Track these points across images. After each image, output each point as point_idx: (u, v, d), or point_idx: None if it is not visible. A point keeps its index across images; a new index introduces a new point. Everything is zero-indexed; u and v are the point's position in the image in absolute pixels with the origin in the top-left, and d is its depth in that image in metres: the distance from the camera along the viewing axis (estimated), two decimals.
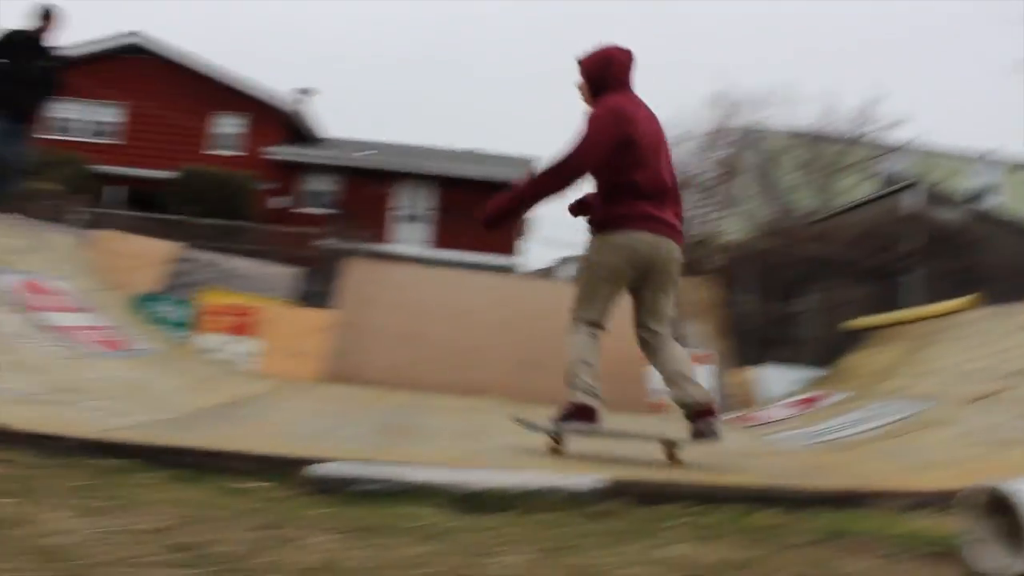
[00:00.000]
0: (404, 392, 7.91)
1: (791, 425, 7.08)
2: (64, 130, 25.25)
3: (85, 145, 25.44)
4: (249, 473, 3.38)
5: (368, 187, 27.80)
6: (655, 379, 9.00)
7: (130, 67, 27.14)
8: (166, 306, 8.82)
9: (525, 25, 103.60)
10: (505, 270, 26.36)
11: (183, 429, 4.25)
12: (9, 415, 3.66)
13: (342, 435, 4.64)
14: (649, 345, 4.63)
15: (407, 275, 9.92)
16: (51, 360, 5.29)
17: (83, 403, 4.49)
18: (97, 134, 27.16)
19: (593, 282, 4.51)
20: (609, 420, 7.22)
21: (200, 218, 16.28)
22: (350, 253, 10.46)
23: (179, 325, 8.74)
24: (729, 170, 24.56)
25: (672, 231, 4.40)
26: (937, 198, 11.81)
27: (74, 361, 5.48)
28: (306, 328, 8.93)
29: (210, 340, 8.72)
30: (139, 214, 15.38)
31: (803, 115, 23.74)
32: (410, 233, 28.02)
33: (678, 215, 4.51)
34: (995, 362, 6.20)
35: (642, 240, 4.32)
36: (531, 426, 4.64)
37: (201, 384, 6.48)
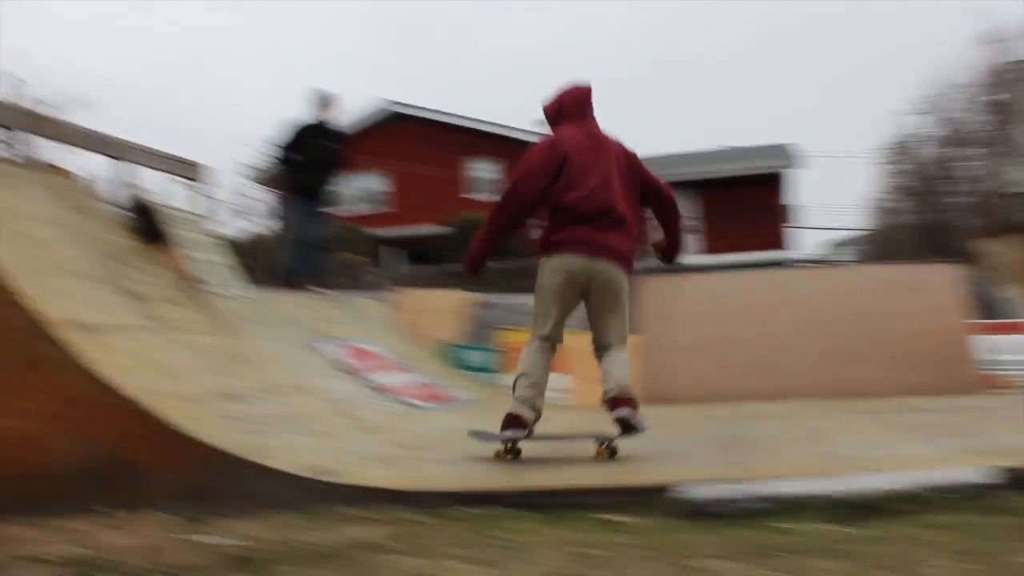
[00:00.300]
0: (718, 404, 7.69)
1: None
2: (345, 204, 27.26)
3: (361, 215, 27.24)
4: (613, 506, 3.33)
5: None
6: (981, 351, 8.30)
7: (389, 134, 28.85)
8: (472, 353, 9.13)
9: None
10: (778, 264, 25.46)
11: (531, 471, 4.28)
12: (373, 476, 3.83)
13: (684, 456, 4.51)
14: (599, 357, 4.96)
15: (699, 286, 9.69)
16: (388, 418, 5.56)
17: (429, 457, 4.64)
18: (370, 202, 29.04)
19: (541, 301, 4.88)
20: (935, 402, 6.70)
21: None
22: (641, 272, 10.37)
23: (487, 369, 8.99)
24: (1008, 113, 22.36)
25: (611, 253, 4.59)
26: None
27: (407, 418, 5.73)
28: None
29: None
30: (424, 269, 16.17)
31: None
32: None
33: (630, 236, 4.70)
34: None
35: (575, 263, 4.59)
36: (482, 436, 4.80)
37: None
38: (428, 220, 25.95)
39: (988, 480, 3.12)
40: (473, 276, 5.16)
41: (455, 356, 9.03)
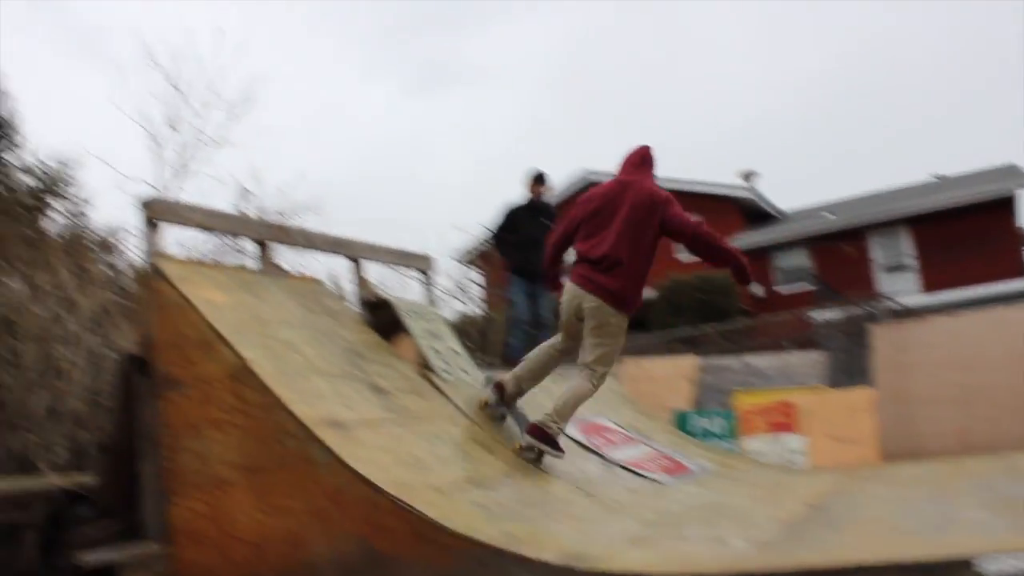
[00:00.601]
0: (977, 458, 7.10)
1: None
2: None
3: None
4: None
5: (840, 249, 26.76)
6: None
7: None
8: (705, 419, 8.90)
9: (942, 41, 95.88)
10: (1014, 298, 23.64)
11: (791, 545, 4.05)
12: (630, 559, 3.73)
13: (966, 520, 4.14)
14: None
15: (939, 328, 9.04)
16: (630, 496, 5.45)
17: (683, 535, 4.49)
18: None
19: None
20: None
21: (691, 326, 16.61)
22: (870, 320, 9.87)
23: (722, 436, 8.74)
24: None
25: (599, 290, 5.54)
26: None
27: (651, 494, 5.60)
28: (847, 410, 8.47)
29: (755, 444, 8.59)
30: (644, 335, 16.08)
31: None
32: (897, 284, 26.29)
33: (625, 277, 5.58)
34: None
35: (574, 291, 5.67)
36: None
37: (770, 492, 6.29)
38: None
39: None
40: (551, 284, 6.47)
41: (688, 424, 8.83)
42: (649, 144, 6.09)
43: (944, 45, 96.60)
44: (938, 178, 30.53)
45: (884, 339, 8.85)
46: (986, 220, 25.75)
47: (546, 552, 3.74)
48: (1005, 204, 26.25)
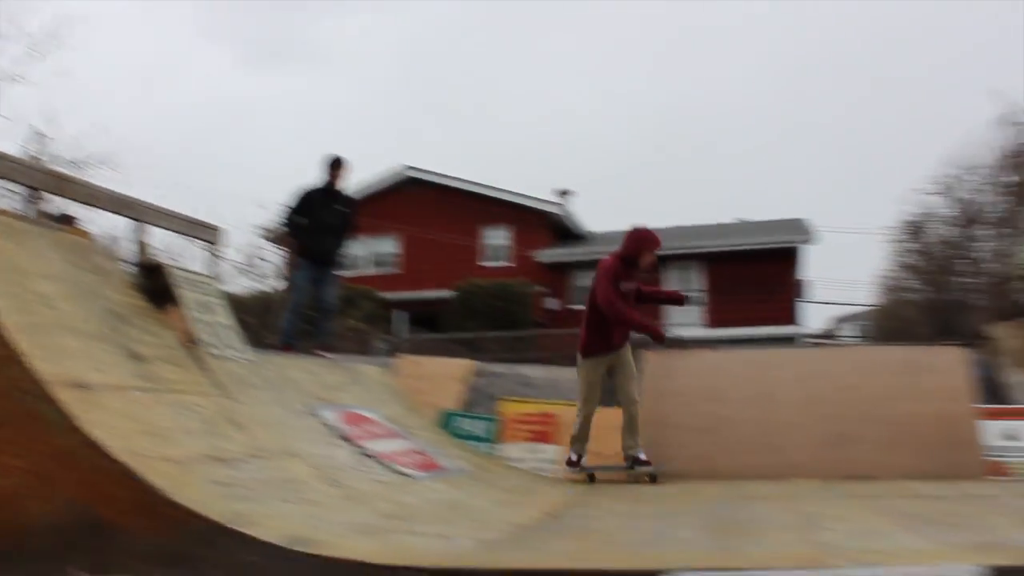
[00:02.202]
0: (713, 483, 7.64)
1: None
2: (353, 267, 27.33)
3: (370, 278, 27.45)
4: None
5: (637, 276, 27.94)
6: (987, 437, 8.24)
7: (402, 198, 29.21)
8: (469, 421, 9.13)
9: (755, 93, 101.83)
10: (787, 340, 25.40)
11: (514, 548, 4.26)
12: (354, 548, 3.81)
13: (676, 538, 4.47)
14: None
15: (699, 361, 9.67)
16: (377, 487, 5.54)
17: (414, 529, 4.63)
18: (379, 265, 29.28)
19: None
20: (935, 488, 6.63)
21: (481, 331, 16.94)
22: (642, 346, 10.39)
23: (483, 439, 8.98)
24: (1021, 197, 22.41)
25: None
26: None
27: (397, 487, 5.71)
28: (606, 428, 8.85)
29: (514, 450, 8.87)
30: (430, 336, 16.26)
31: None
32: (685, 315, 27.70)
33: (582, 329, 8.19)
34: None
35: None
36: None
37: (515, 497, 6.54)
38: (436, 285, 26.10)
39: None
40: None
41: (454, 425, 9.03)
42: (638, 227, 8.01)
43: (768, 94, 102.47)
44: (739, 221, 32.40)
45: (652, 364, 9.35)
46: (771, 267, 27.56)
47: (271, 533, 3.77)
48: (789, 255, 28.19)
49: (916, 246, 22.24)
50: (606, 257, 7.91)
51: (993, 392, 8.98)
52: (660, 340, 7.94)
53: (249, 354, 6.61)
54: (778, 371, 9.15)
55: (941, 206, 21.99)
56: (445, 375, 9.79)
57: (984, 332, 9.72)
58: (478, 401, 9.55)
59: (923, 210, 22.48)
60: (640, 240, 7.88)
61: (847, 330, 40.91)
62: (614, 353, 7.96)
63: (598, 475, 8.15)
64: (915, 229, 22.18)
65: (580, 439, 8.02)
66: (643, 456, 7.78)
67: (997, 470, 8.05)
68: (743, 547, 4.11)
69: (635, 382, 8.03)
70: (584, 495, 6.96)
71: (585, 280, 28.61)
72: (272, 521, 3.99)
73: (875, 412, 8.49)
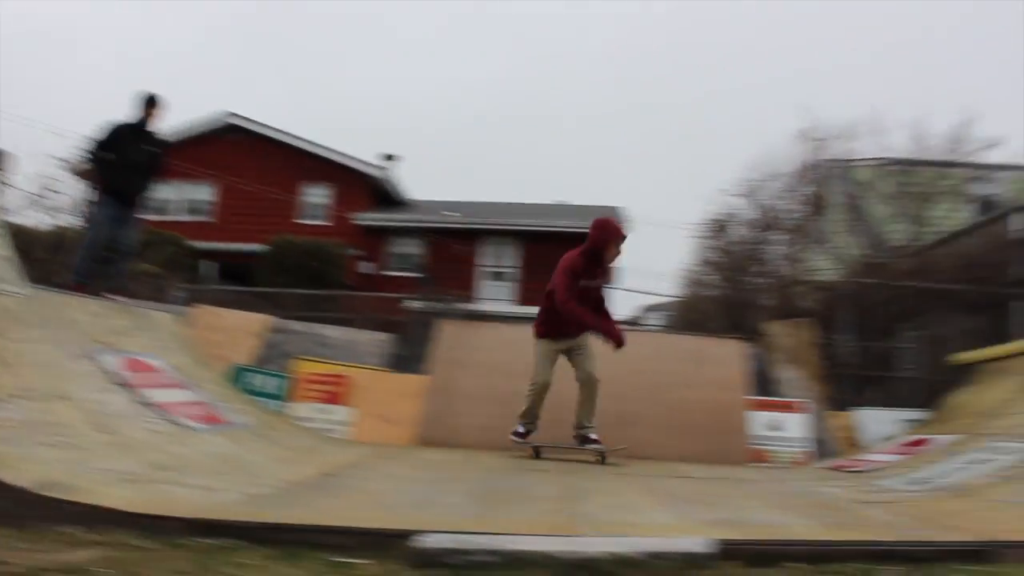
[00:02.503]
0: (497, 454, 7.87)
1: (900, 469, 6.80)
2: (162, 210, 26.13)
3: (180, 224, 26.40)
4: (352, 548, 3.37)
5: (453, 247, 28.11)
6: (755, 427, 8.85)
7: (222, 146, 28.18)
8: (262, 377, 9.00)
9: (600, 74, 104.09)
10: None
11: (281, 504, 4.28)
12: (112, 496, 3.74)
13: (442, 503, 4.61)
14: None
15: (495, 334, 9.88)
16: (151, 438, 5.41)
17: (183, 480, 4.57)
18: (192, 212, 28.21)
19: None
20: (703, 471, 7.09)
21: (291, 288, 16.65)
22: (441, 315, 10.49)
23: (275, 396, 8.88)
24: (818, 206, 24.00)
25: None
26: None
27: (173, 438, 5.60)
28: (398, 393, 8.97)
29: (304, 410, 8.82)
30: (233, 288, 15.84)
31: (893, 144, 22.94)
32: (497, 291, 28.17)
33: (540, 311, 8.12)
34: None
35: None
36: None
37: (298, 454, 6.55)
38: (250, 238, 25.42)
39: (703, 550, 3.34)
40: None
41: (244, 380, 8.89)
42: (602, 218, 7.84)
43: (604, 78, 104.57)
44: (559, 204, 33.03)
45: (448, 334, 9.51)
46: None
47: (24, 478, 3.65)
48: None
49: (717, 244, 23.40)
50: (569, 251, 7.67)
51: (764, 385, 9.63)
52: (618, 344, 7.46)
53: (26, 289, 6.27)
54: None
55: (743, 208, 23.25)
56: (241, 328, 9.61)
57: (763, 329, 10.39)
58: (272, 357, 9.42)
59: (727, 210, 23.74)
60: (605, 231, 7.56)
61: (654, 319, 42.57)
62: (571, 339, 7.81)
63: (544, 451, 7.96)
64: (718, 228, 23.32)
65: (530, 413, 7.83)
66: (594, 436, 7.72)
67: (760, 457, 8.68)
68: (503, 514, 4.29)
69: (594, 360, 7.83)
70: (368, 458, 7.02)
71: (403, 247, 28.65)
72: (27, 465, 3.86)
73: (658, 396, 8.98)
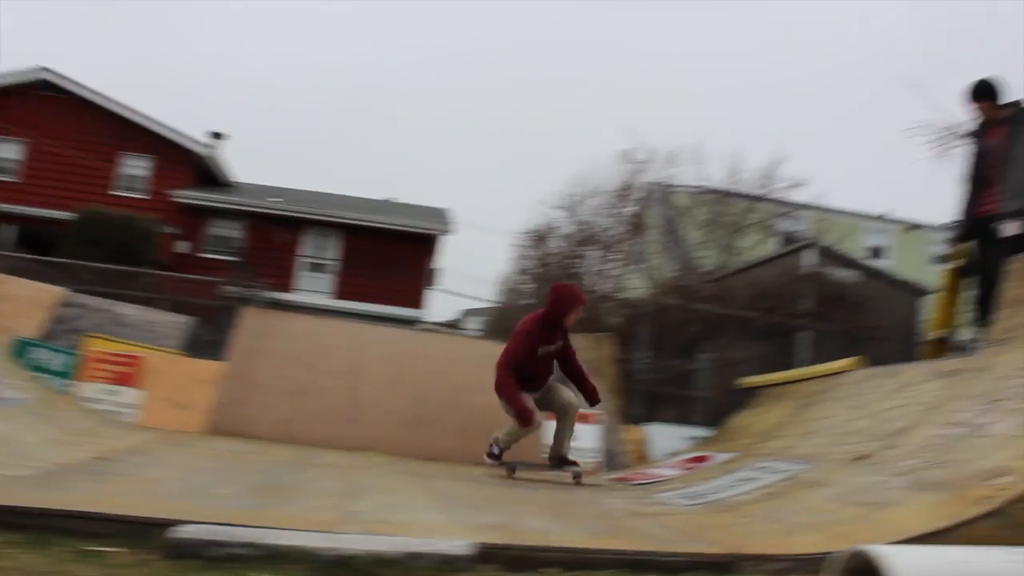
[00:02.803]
0: (290, 447, 7.78)
1: (678, 484, 7.14)
2: None
3: None
4: (106, 536, 3.27)
5: (275, 234, 27.53)
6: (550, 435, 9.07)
7: (35, 103, 26.49)
8: (47, 353, 8.51)
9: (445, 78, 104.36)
10: (409, 322, 26.28)
11: (41, 487, 4.09)
12: None
13: (216, 494, 4.52)
14: None
15: (299, 326, 9.73)
16: None
17: None
18: None
19: None
20: (491, 474, 7.23)
21: (95, 262, 15.86)
22: (246, 302, 10.28)
23: (61, 374, 8.40)
24: (635, 226, 24.98)
25: None
26: (832, 258, 12.22)
27: None
28: (192, 379, 8.68)
29: (91, 389, 8.38)
30: (26, 255, 14.91)
31: (710, 174, 24.22)
32: (315, 282, 27.79)
33: None
34: (873, 423, 6.37)
35: None
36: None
37: (75, 436, 6.25)
38: (61, 205, 23.99)
39: (461, 552, 3.42)
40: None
41: (27, 354, 8.39)
42: (563, 284, 7.60)
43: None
44: (387, 200, 32.85)
45: (250, 321, 9.31)
46: (408, 250, 28.29)
47: None
48: (427, 241, 29.10)
49: (535, 254, 23.97)
50: (529, 315, 7.44)
51: None
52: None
53: None
54: (373, 347, 9.47)
55: (562, 221, 23.94)
56: (29, 299, 9.06)
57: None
58: (61, 333, 8.93)
59: (547, 222, 24.37)
60: (565, 301, 7.25)
61: (471, 323, 43.00)
62: (536, 392, 7.42)
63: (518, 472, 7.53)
64: (537, 238, 23.90)
65: (509, 443, 7.32)
66: (571, 456, 7.48)
67: None
68: (275, 507, 4.25)
69: (566, 388, 7.57)
70: (151, 444, 6.79)
71: (223, 229, 27.81)
72: None
73: (454, 399, 9.07)
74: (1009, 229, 7.06)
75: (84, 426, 6.91)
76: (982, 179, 7.57)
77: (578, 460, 7.60)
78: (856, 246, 28.16)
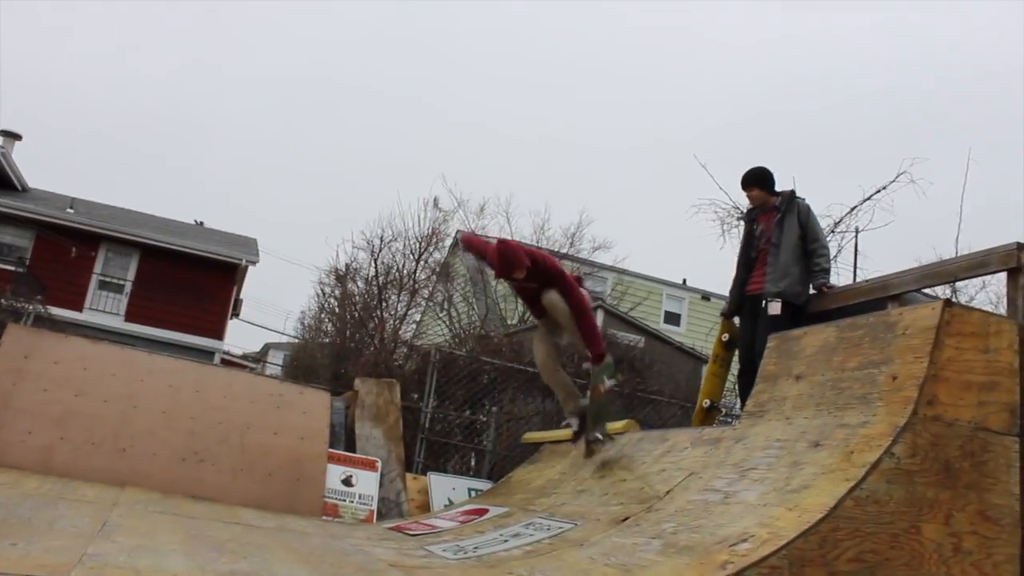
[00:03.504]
0: (48, 478, 7.31)
1: (451, 536, 7.16)
2: None
3: None
4: None
5: (67, 248, 26.04)
6: (331, 480, 8.94)
7: None
8: None
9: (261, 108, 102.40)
10: (207, 353, 25.38)
11: None
12: None
13: None
14: None
15: (73, 348, 9.16)
16: None
17: None
18: None
19: None
20: (260, 519, 7.05)
21: None
22: (18, 317, 9.65)
23: None
24: (442, 273, 25.18)
25: None
26: (620, 320, 12.72)
27: None
28: None
29: None
30: None
31: (518, 228, 24.82)
32: (107, 302, 26.41)
33: None
34: (640, 484, 6.62)
35: None
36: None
37: None
38: None
39: None
40: None
41: None
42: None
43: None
44: (195, 224, 31.76)
45: (15, 339, 8.71)
46: (211, 278, 27.38)
47: None
48: (231, 270, 28.26)
49: (338, 292, 23.73)
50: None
51: (345, 439, 9.78)
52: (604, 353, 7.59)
53: None
54: (151, 377, 9.05)
55: (365, 262, 23.84)
56: None
57: (355, 384, 10.58)
58: None
59: (351, 261, 24.21)
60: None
61: (272, 356, 42.00)
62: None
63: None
64: (340, 276, 23.67)
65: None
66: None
67: (333, 511, 8.75)
68: (2, 548, 3.98)
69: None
70: None
71: (9, 237, 26.05)
72: None
73: (234, 437, 8.79)
74: (772, 308, 7.65)
75: None
76: (753, 259, 8.19)
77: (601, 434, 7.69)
78: (654, 311, 29.47)
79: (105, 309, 26.06)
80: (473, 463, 10.89)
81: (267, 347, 42.91)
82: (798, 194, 8.20)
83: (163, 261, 27.04)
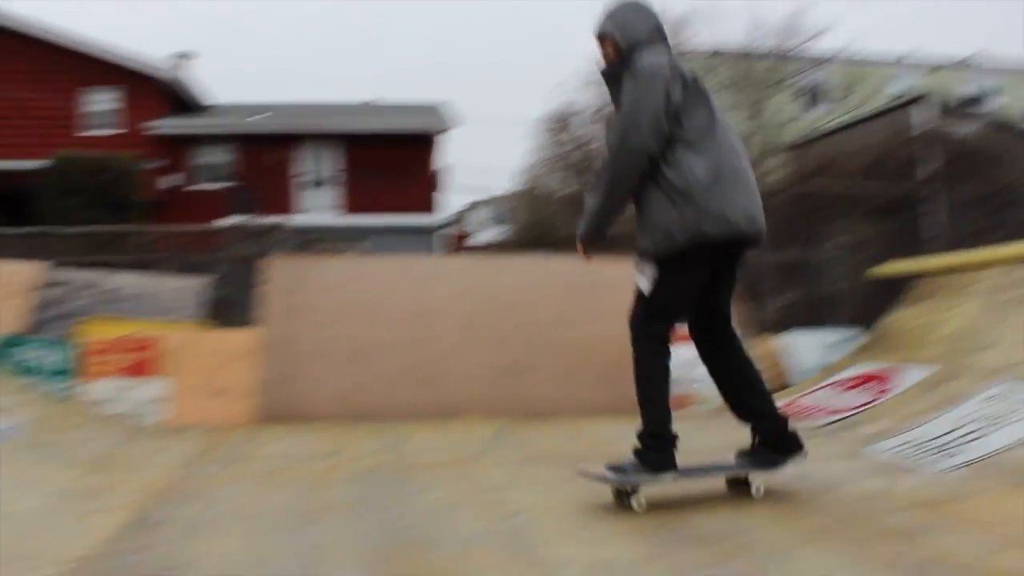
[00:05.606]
0: (361, 428, 6.18)
1: (883, 424, 5.33)
2: None
3: None
4: None
5: (267, 154, 25.43)
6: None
7: None
8: (36, 350, 6.78)
9: None
10: (425, 230, 24.55)
11: None
12: None
13: None
14: None
15: (343, 270, 7.82)
16: None
17: None
18: None
19: None
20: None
21: (73, 211, 13.97)
22: (267, 244, 8.48)
23: (58, 373, 6.71)
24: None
25: None
26: (950, 111, 10.25)
27: None
28: (224, 356, 6.96)
29: (102, 389, 6.70)
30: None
31: (728, 32, 22.05)
32: (318, 200, 25.83)
33: None
34: None
35: None
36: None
37: (94, 475, 4.59)
38: (27, 155, 21.71)
39: None
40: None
41: (13, 354, 6.67)
42: None
43: None
44: (375, 103, 30.65)
45: (279, 275, 7.50)
46: (408, 153, 26.24)
47: None
48: (426, 141, 26.98)
49: (561, 139, 22.00)
50: None
51: None
52: None
53: None
54: (436, 284, 7.65)
55: (588, 100, 21.85)
56: (3, 285, 7.26)
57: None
58: (50, 322, 7.19)
59: (569, 104, 22.27)
60: None
61: (482, 213, 41.31)
62: None
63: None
64: (561, 121, 21.89)
65: None
66: None
67: (684, 401, 7.10)
68: None
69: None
70: (200, 460, 5.16)
71: (209, 156, 25.70)
72: None
73: (546, 337, 7.36)
74: None
75: (103, 450, 5.25)
76: None
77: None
78: (956, 91, 26.10)
79: (319, 206, 25.48)
80: (817, 310, 8.89)
81: (472, 204, 41.95)
82: None
83: (362, 147, 26.03)
